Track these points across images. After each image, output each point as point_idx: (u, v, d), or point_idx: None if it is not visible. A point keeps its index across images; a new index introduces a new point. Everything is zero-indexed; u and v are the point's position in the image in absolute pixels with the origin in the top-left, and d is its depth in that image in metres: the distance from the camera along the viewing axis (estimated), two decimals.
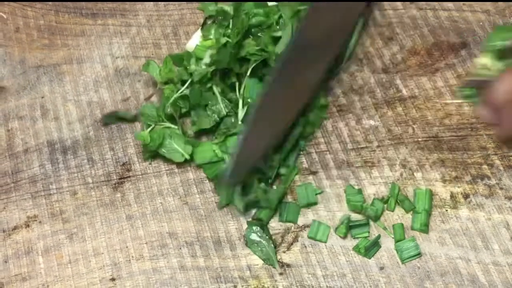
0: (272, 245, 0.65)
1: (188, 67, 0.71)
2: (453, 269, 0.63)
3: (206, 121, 0.70)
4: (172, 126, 0.71)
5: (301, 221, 0.67)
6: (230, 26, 0.71)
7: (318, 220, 0.66)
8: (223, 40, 0.69)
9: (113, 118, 0.74)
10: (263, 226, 0.66)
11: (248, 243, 0.66)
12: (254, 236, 0.66)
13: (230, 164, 0.65)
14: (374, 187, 0.67)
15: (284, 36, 0.70)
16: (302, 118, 0.70)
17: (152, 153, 0.71)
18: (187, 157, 0.69)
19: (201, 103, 0.71)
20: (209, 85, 0.71)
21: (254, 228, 0.66)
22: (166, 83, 0.73)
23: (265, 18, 0.71)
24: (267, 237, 0.65)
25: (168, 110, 0.71)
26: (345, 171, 0.69)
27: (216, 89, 0.70)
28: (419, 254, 0.64)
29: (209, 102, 0.70)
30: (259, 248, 0.65)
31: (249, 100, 0.69)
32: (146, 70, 0.73)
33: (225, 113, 0.70)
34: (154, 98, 0.75)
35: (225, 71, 0.70)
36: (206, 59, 0.70)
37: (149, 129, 0.71)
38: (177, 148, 0.70)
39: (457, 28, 0.75)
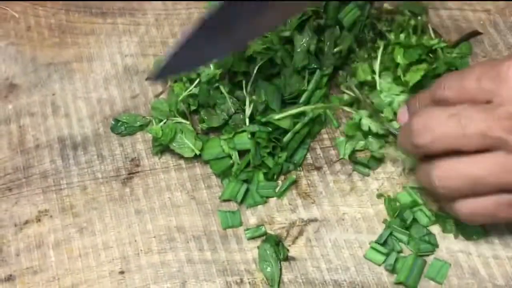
0: (279, 267, 0.65)
1: None
2: (454, 262, 0.64)
3: (215, 119, 0.71)
4: (184, 121, 0.72)
5: (305, 215, 0.68)
6: None
7: (322, 215, 0.68)
8: None
9: (120, 126, 0.75)
10: (279, 242, 0.66)
11: (259, 258, 0.66)
12: (266, 255, 0.66)
13: (167, 59, 0.55)
14: (377, 182, 0.68)
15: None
16: (310, 118, 0.71)
17: (162, 147, 0.72)
18: (197, 152, 0.70)
19: (210, 102, 0.72)
20: (216, 84, 0.72)
21: (268, 246, 0.66)
22: (175, 80, 0.74)
23: None
24: (277, 258, 0.65)
25: (179, 106, 0.72)
26: (348, 167, 0.70)
27: (223, 89, 0.71)
28: None
29: (217, 101, 0.71)
30: (268, 267, 0.65)
31: (253, 97, 0.70)
32: None
33: (233, 111, 0.71)
34: (163, 96, 0.76)
35: (232, 71, 0.71)
36: None
37: (161, 123, 0.72)
38: (187, 143, 0.70)
39: (458, 27, 0.75)
